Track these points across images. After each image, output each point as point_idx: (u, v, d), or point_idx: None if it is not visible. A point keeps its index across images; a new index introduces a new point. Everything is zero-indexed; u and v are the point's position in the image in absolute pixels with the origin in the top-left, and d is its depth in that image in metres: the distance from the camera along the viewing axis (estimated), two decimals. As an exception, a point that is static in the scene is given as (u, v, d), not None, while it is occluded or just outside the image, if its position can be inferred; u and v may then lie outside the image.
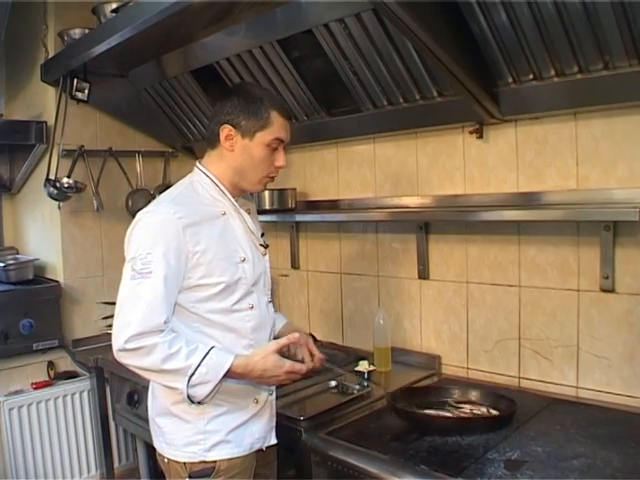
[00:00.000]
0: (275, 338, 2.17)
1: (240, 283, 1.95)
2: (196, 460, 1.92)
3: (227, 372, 1.80)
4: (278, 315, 2.29)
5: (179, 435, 1.95)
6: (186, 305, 1.90)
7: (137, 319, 1.77)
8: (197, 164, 2.04)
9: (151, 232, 1.85)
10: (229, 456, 1.93)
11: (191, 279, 1.87)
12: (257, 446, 2.02)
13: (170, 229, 1.83)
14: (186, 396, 1.80)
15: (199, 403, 1.85)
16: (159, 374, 1.80)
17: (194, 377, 1.77)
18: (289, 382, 2.02)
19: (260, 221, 2.24)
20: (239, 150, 1.95)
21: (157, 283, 1.79)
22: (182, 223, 1.84)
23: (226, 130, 1.94)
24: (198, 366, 1.77)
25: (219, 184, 1.98)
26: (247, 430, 1.98)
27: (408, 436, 2.03)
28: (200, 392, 1.80)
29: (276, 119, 1.93)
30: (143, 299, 1.79)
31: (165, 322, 1.80)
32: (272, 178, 2.03)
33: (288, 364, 1.88)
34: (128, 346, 1.77)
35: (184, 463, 1.93)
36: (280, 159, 1.98)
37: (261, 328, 2.02)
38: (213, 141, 1.99)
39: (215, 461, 1.92)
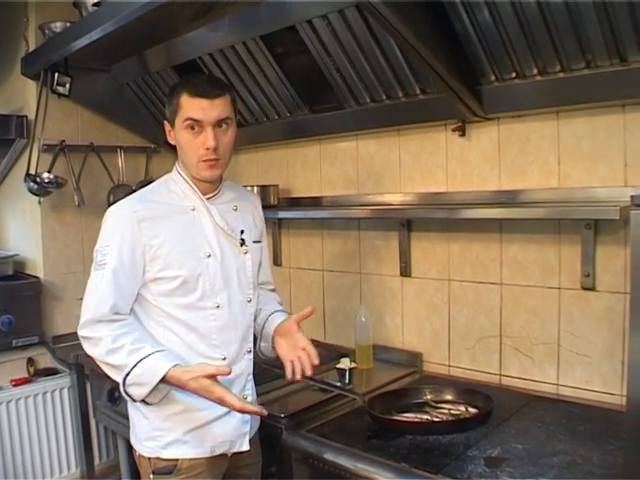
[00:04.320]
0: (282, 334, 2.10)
1: (201, 279, 1.93)
2: (153, 456, 1.93)
3: (163, 379, 1.77)
4: (275, 315, 2.18)
5: (141, 429, 1.98)
6: (149, 298, 1.93)
7: (91, 308, 1.86)
8: (176, 162, 2.07)
9: (110, 226, 1.92)
10: (185, 456, 1.92)
11: (150, 272, 1.90)
12: (220, 450, 1.97)
13: (125, 223, 1.88)
14: (124, 394, 1.83)
15: (146, 403, 1.85)
16: (105, 366, 1.86)
17: (129, 377, 1.78)
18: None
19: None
20: (175, 141, 1.99)
21: (107, 274, 1.85)
22: (137, 217, 1.88)
23: (166, 126, 2.01)
24: (134, 367, 1.78)
25: (188, 180, 2.00)
26: (209, 432, 1.95)
27: (389, 434, 2.04)
28: (136, 393, 1.81)
29: (185, 100, 1.90)
30: (98, 289, 1.86)
31: (111, 311, 1.84)
32: (212, 161, 1.93)
33: (218, 393, 1.76)
34: (81, 333, 1.87)
35: (149, 458, 1.94)
36: (206, 140, 1.89)
37: (229, 329, 1.98)
38: None
39: (177, 459, 1.92)
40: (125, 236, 1.87)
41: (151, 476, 1.93)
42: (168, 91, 2.04)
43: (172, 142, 2.01)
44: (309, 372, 1.97)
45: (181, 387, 1.81)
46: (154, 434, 1.94)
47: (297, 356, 2.00)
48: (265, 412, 1.85)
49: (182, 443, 1.93)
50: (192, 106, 1.89)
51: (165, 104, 2.01)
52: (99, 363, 1.87)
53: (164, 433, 1.93)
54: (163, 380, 1.77)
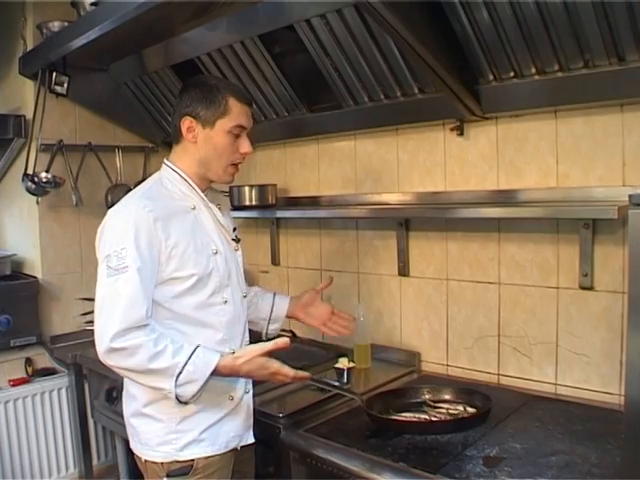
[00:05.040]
0: (290, 316, 2.39)
1: (213, 275, 1.95)
2: (169, 460, 1.91)
3: (214, 371, 1.79)
4: (279, 296, 2.39)
5: (152, 435, 1.94)
6: (160, 301, 1.88)
7: (119, 316, 1.75)
8: (165, 161, 2.05)
9: (123, 227, 1.84)
10: (203, 455, 1.92)
11: (164, 272, 1.86)
12: (232, 445, 2.00)
13: (141, 222, 1.83)
14: (174, 396, 1.77)
15: (185, 403, 1.82)
16: (145, 375, 1.77)
17: (182, 376, 1.75)
18: (277, 382, 2.02)
19: (240, 217, 2.26)
20: (201, 140, 1.96)
21: (133, 276, 1.78)
22: (152, 216, 1.84)
23: (187, 122, 1.95)
24: (185, 364, 1.75)
25: (187, 179, 1.99)
26: (222, 428, 1.97)
27: (387, 433, 2.03)
28: (188, 391, 1.77)
29: (234, 105, 1.93)
30: (122, 295, 1.77)
31: (146, 315, 1.78)
32: (237, 167, 2.04)
33: (274, 368, 1.86)
34: (114, 345, 1.74)
35: (161, 463, 1.92)
36: (244, 145, 1.98)
37: (234, 323, 2.02)
38: (176, 136, 2.01)
39: (192, 459, 1.91)
40: (142, 235, 1.82)
41: (165, 479, 1.92)
42: (202, 88, 1.95)
43: (191, 139, 1.96)
44: (352, 326, 2.41)
45: (231, 374, 1.86)
46: (169, 437, 1.92)
47: (329, 318, 2.36)
48: (310, 375, 2.04)
49: (199, 442, 1.93)
50: (242, 113, 1.96)
51: (195, 102, 1.94)
52: (133, 375, 1.80)
53: (181, 435, 1.92)
54: (213, 372, 1.79)
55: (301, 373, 1.93)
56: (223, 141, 1.95)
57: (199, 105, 1.93)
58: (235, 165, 2.02)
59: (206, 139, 1.95)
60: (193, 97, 1.95)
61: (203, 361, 1.78)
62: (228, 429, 1.99)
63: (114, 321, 1.75)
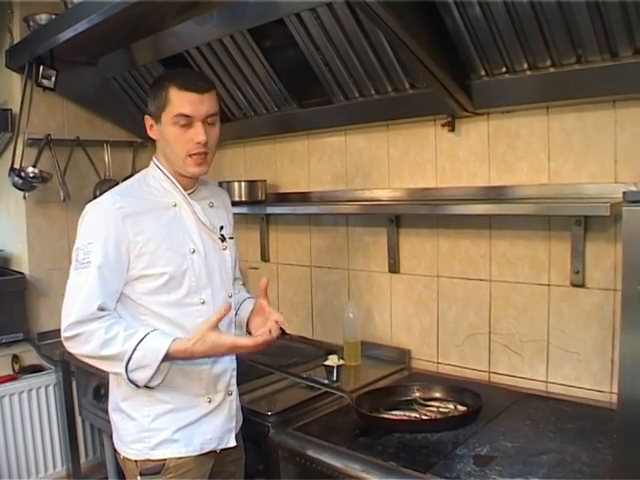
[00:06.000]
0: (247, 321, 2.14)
1: (187, 275, 1.92)
2: (142, 458, 1.90)
3: (166, 356, 1.75)
4: (248, 301, 2.23)
5: (127, 432, 1.94)
6: (133, 297, 1.88)
7: (76, 308, 1.78)
8: (153, 158, 2.04)
9: (92, 223, 1.86)
10: (175, 455, 1.90)
11: (135, 269, 1.86)
12: (209, 447, 1.97)
13: (109, 219, 1.83)
14: (128, 381, 1.78)
15: (149, 387, 1.81)
16: (100, 361, 1.79)
17: (131, 362, 1.74)
18: (246, 354, 1.97)
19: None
20: (159, 136, 1.96)
21: (93, 272, 1.79)
22: (122, 213, 1.84)
23: (147, 121, 1.97)
24: (134, 350, 1.74)
25: (169, 175, 1.98)
26: (197, 430, 1.94)
27: (377, 432, 2.02)
28: (141, 376, 1.76)
29: (174, 95, 1.87)
30: (82, 288, 1.80)
31: (99, 309, 1.78)
32: (199, 155, 1.92)
33: (229, 341, 1.80)
34: (67, 334, 1.79)
35: (135, 461, 1.91)
36: (197, 134, 1.88)
37: None
38: None
39: (165, 459, 1.89)
40: (109, 232, 1.82)
41: (139, 478, 1.90)
42: (151, 84, 2.00)
43: (154, 137, 1.98)
44: (274, 333, 1.90)
45: (187, 357, 1.80)
46: (142, 435, 1.91)
47: (268, 328, 1.92)
48: (274, 335, 1.86)
49: (172, 442, 1.90)
50: (182, 101, 1.88)
51: (149, 100, 1.97)
52: (90, 360, 1.81)
53: (153, 434, 1.90)
54: (166, 358, 1.76)
55: (261, 338, 1.81)
56: (171, 133, 1.90)
57: (150, 102, 1.95)
58: (194, 156, 1.92)
59: (160, 134, 1.94)
60: (148, 95, 1.98)
61: (152, 347, 1.75)
62: (205, 431, 1.96)
63: (71, 312, 1.79)
